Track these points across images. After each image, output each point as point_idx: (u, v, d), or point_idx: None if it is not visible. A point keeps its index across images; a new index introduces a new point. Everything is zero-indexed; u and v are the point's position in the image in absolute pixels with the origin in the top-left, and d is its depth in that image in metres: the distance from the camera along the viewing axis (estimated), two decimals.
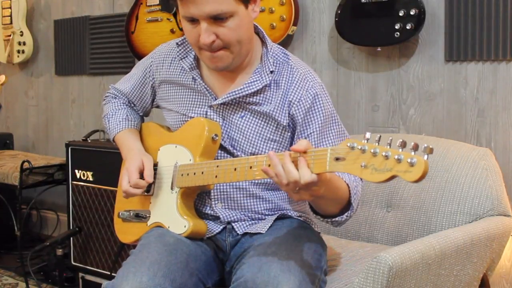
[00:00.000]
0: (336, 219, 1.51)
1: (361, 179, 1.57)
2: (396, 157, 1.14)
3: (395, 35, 2.33)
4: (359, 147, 1.20)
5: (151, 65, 1.78)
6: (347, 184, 1.48)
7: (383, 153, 1.16)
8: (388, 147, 1.17)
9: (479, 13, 2.24)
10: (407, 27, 2.30)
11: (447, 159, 2.03)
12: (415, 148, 1.14)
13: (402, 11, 2.30)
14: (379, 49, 2.46)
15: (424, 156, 1.12)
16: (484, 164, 1.98)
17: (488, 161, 2.00)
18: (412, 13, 2.29)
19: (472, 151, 2.03)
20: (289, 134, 1.62)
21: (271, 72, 1.60)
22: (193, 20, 1.51)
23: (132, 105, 1.89)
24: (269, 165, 1.38)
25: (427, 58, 2.41)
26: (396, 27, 2.32)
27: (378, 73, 2.54)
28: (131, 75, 1.87)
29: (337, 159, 1.25)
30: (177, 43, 1.70)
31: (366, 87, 2.58)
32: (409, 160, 1.12)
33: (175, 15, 2.98)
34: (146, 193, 1.70)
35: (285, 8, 2.61)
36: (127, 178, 1.65)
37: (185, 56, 1.68)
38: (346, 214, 1.50)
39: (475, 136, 2.31)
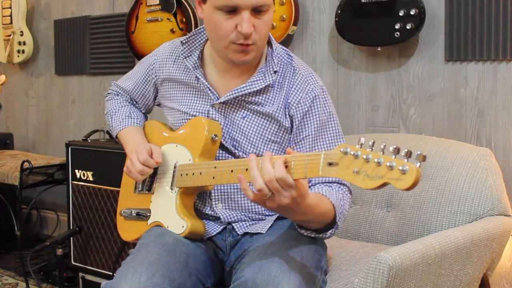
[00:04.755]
0: (321, 235, 1.53)
1: (350, 193, 1.59)
2: (388, 164, 1.13)
3: (395, 35, 2.33)
4: (352, 153, 1.20)
5: (154, 63, 1.78)
6: (333, 205, 1.49)
7: (376, 160, 1.15)
8: (382, 153, 1.16)
9: (479, 13, 2.23)
10: (407, 27, 2.30)
11: (447, 159, 2.03)
12: (408, 155, 1.13)
13: (402, 11, 2.30)
14: (379, 49, 2.46)
15: (417, 164, 1.11)
16: (484, 164, 1.98)
17: (488, 161, 1.99)
18: (412, 13, 2.29)
19: (472, 151, 2.03)
20: (290, 135, 1.62)
21: (275, 72, 1.60)
22: (232, 11, 1.49)
23: (134, 102, 1.89)
24: (247, 169, 1.38)
25: (427, 58, 2.41)
26: (396, 27, 2.32)
27: (378, 73, 2.54)
28: (133, 72, 1.86)
29: (330, 164, 1.24)
30: (181, 42, 1.69)
31: (366, 87, 2.58)
32: (400, 168, 1.11)
33: (175, 15, 2.98)
34: (147, 192, 1.70)
35: (285, 8, 2.61)
36: (137, 158, 1.63)
37: (189, 54, 1.68)
38: (330, 231, 1.52)
39: (475, 136, 2.30)
